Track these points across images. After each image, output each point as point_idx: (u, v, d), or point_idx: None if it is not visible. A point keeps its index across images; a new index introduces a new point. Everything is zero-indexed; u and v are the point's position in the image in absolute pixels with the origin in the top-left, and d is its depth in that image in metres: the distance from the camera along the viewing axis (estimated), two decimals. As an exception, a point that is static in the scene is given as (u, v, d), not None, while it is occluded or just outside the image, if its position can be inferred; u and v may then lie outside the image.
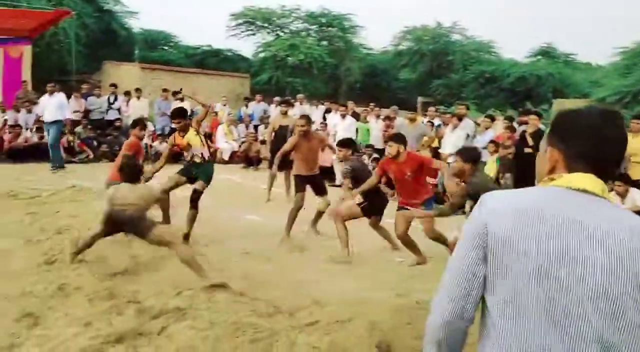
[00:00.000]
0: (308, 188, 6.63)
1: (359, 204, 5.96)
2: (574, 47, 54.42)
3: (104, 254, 5.44)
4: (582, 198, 1.34)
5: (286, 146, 6.53)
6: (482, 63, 28.46)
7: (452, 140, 8.86)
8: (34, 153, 11.46)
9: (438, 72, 28.79)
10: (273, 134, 8.79)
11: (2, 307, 3.97)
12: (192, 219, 6.06)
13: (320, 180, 6.88)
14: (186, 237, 5.96)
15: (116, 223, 4.82)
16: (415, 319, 4.16)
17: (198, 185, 6.13)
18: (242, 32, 28.50)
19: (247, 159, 12.78)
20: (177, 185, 6.25)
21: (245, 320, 3.99)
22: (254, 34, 28.83)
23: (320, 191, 6.71)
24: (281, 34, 29.05)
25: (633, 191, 6.93)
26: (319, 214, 6.66)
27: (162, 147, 11.64)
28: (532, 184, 7.15)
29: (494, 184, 5.29)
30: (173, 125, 6.40)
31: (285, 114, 9.03)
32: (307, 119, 6.73)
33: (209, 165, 6.26)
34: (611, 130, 1.36)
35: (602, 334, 1.26)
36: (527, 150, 8.15)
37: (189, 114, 15.34)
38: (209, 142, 6.42)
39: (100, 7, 22.61)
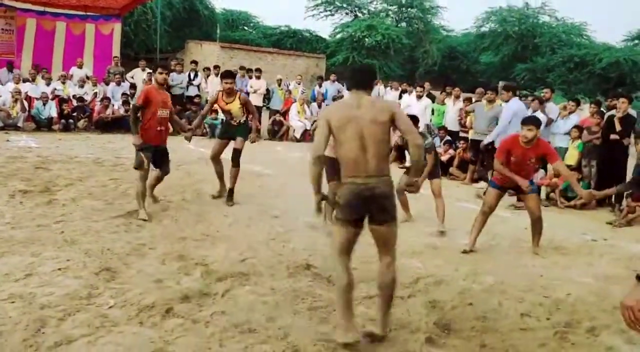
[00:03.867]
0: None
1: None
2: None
3: (178, 220, 5.71)
4: None
5: None
6: (571, 46, 26.86)
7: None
8: (120, 124, 12.12)
9: (522, 55, 27.46)
10: None
11: (83, 262, 4.27)
12: (235, 176, 6.50)
13: None
14: (230, 192, 6.53)
15: None
16: (477, 300, 4.09)
17: (237, 144, 6.53)
18: (321, 12, 28.56)
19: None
20: (222, 148, 6.70)
21: (305, 289, 4.08)
22: (332, 15, 28.83)
23: None
24: (359, 14, 28.81)
25: None
26: None
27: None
28: (617, 172, 6.88)
29: None
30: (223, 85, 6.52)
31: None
32: None
33: (244, 125, 6.65)
34: None
35: None
36: (614, 136, 7.64)
37: (267, 93, 15.72)
38: (248, 110, 6.69)
39: (186, -13, 23.32)
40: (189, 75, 13.64)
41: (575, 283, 4.61)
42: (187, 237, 5.16)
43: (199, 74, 13.88)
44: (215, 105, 6.87)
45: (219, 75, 6.86)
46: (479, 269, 4.85)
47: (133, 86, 13.21)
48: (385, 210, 3.24)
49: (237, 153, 6.54)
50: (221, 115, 7.34)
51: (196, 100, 13.11)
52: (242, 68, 14.20)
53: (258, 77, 13.46)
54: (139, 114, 5.72)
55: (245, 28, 29.74)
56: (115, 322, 3.32)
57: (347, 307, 3.17)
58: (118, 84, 13.13)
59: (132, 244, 4.82)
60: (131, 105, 5.83)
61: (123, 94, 12.70)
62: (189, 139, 6.43)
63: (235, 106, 6.51)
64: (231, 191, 6.57)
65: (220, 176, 6.78)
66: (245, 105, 6.63)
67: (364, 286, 4.20)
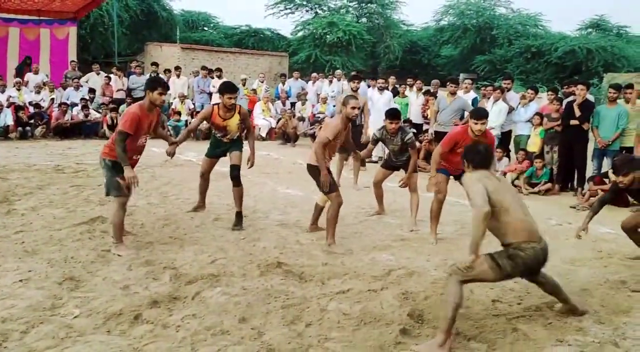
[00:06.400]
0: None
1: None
2: (628, 19, 51.88)
3: (144, 225, 5.57)
4: None
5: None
6: (528, 37, 27.42)
7: (493, 114, 8.59)
8: (80, 130, 11.79)
9: (481, 47, 27.91)
10: None
11: (45, 272, 4.11)
12: (240, 196, 5.68)
13: None
14: (239, 215, 5.66)
15: None
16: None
17: (234, 159, 5.73)
18: (281, 11, 28.39)
19: (284, 135, 12.81)
20: (212, 166, 6.01)
21: (278, 287, 4.03)
22: (292, 13, 28.68)
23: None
24: (320, 11, 28.79)
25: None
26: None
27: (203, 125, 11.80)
28: (579, 157, 7.05)
29: None
30: (220, 99, 5.70)
31: (356, 91, 8.46)
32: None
33: (238, 139, 5.89)
34: None
35: None
36: (574, 122, 7.82)
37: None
38: (246, 125, 5.99)
39: (142, -12, 22.85)
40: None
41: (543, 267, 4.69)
42: (154, 241, 5.04)
43: (160, 76, 13.63)
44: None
45: (218, 91, 5.82)
46: (450, 259, 4.88)
47: (92, 90, 12.88)
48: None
49: (236, 170, 5.68)
50: (203, 125, 6.37)
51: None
52: (204, 68, 14.01)
53: (219, 77, 13.29)
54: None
55: (206, 29, 29.36)
56: (81, 332, 3.20)
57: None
58: (76, 88, 12.78)
59: (96, 251, 4.67)
60: (117, 132, 4.64)
61: (82, 99, 12.37)
62: (171, 154, 5.47)
63: (233, 122, 5.72)
64: (239, 214, 5.67)
65: (203, 191, 6.12)
66: (244, 120, 5.88)
67: (336, 282, 4.19)
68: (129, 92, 12.99)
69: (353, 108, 5.18)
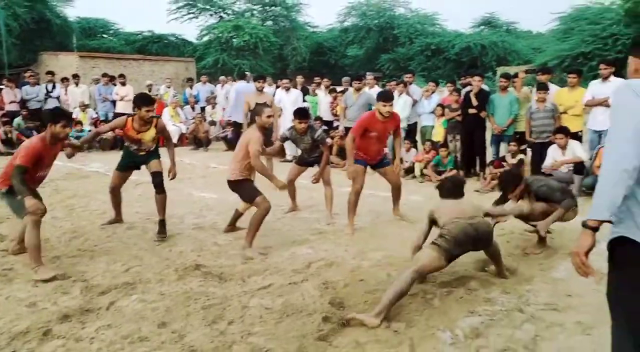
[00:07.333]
0: None
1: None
2: (516, 16, 55.77)
3: (49, 240, 5.25)
4: None
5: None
6: (427, 36, 28.77)
7: (399, 107, 8.93)
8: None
9: (385, 46, 28.94)
10: (248, 113, 8.42)
11: (-62, 298, 3.77)
12: (163, 204, 5.40)
13: None
14: (162, 224, 5.37)
15: None
16: (368, 276, 4.24)
17: (155, 167, 5.42)
18: (184, 15, 27.82)
19: (195, 140, 12.55)
20: (123, 181, 5.69)
21: (197, 289, 3.96)
22: (196, 17, 28.21)
23: None
24: (224, 15, 28.53)
25: (572, 142, 7.17)
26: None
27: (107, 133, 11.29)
28: (479, 144, 7.43)
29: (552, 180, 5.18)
30: (137, 111, 5.28)
31: (261, 90, 8.62)
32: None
33: (154, 150, 5.56)
34: None
35: None
36: (472, 110, 8.30)
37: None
38: (164, 137, 5.69)
39: (32, -5, 21.47)
40: (46, 88, 12.60)
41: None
42: (62, 255, 4.76)
43: (57, 85, 12.90)
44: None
45: (134, 103, 5.37)
46: (366, 247, 5.03)
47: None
48: None
49: (159, 176, 5.39)
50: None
51: (57, 113, 12.15)
52: (105, 75, 13.40)
53: (123, 84, 12.78)
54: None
55: (105, 35, 28.12)
56: (-17, 355, 2.97)
57: None
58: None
59: (-4, 271, 4.35)
60: (15, 167, 4.24)
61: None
62: (70, 155, 5.06)
63: (148, 136, 5.39)
64: (162, 222, 5.39)
65: (117, 206, 5.78)
66: (162, 132, 5.55)
67: (256, 279, 4.18)
68: (24, 104, 12.17)
69: (268, 117, 5.09)
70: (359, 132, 5.58)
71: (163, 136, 5.65)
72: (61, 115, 4.56)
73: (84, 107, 12.48)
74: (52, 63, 19.55)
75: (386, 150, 6.49)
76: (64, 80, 13.26)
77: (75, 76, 13.53)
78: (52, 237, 5.35)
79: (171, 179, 5.52)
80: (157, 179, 5.39)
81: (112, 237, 5.36)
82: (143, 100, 5.35)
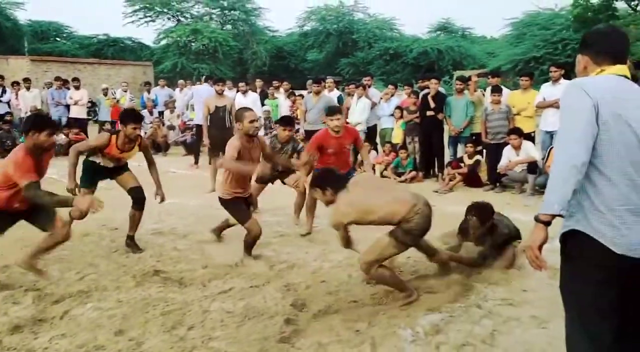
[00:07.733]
0: None
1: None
2: (471, 22, 57.21)
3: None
4: (626, 81, 2.04)
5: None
6: (385, 40, 29.18)
7: (358, 110, 9.01)
8: None
9: (344, 51, 29.18)
10: (208, 116, 8.28)
11: None
12: (138, 221, 5.06)
13: None
14: (132, 238, 5.03)
15: None
16: (329, 277, 4.25)
17: (131, 181, 5.06)
18: (141, 19, 27.33)
19: (154, 145, 12.32)
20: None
21: (156, 295, 3.87)
22: (153, 21, 27.76)
23: None
24: (182, 19, 28.17)
25: (526, 143, 7.39)
26: None
27: (61, 138, 10.96)
28: (437, 145, 7.38)
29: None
30: (123, 128, 4.82)
31: (221, 93, 8.50)
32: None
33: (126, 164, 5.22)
34: (619, 34, 2.12)
35: None
36: (430, 113, 8.44)
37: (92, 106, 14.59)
38: (146, 157, 5.21)
39: (-22, -3, 20.74)
40: (-5, 93, 12.16)
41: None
42: (11, 264, 4.58)
43: (7, 89, 12.45)
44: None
45: (120, 120, 4.99)
46: (327, 249, 5.03)
47: None
48: None
49: (140, 192, 5.00)
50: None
51: (8, 118, 11.73)
52: (58, 79, 13.00)
53: (77, 87, 12.43)
54: None
55: (58, 39, 27.35)
56: None
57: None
58: None
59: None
60: (25, 189, 3.78)
61: None
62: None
63: (131, 155, 5.02)
64: (133, 238, 5.02)
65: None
66: (145, 152, 5.12)
67: (217, 283, 4.12)
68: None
69: (251, 122, 4.61)
70: (312, 149, 5.42)
71: (146, 157, 5.17)
72: (45, 122, 4.03)
73: (36, 111, 12.07)
74: (1, 67, 18.90)
75: (373, 155, 6.41)
76: (15, 84, 12.82)
77: (27, 80, 13.09)
78: (1, 246, 5.12)
79: (160, 202, 5.11)
80: (140, 195, 4.98)
81: (65, 245, 5.16)
82: (129, 116, 4.86)
